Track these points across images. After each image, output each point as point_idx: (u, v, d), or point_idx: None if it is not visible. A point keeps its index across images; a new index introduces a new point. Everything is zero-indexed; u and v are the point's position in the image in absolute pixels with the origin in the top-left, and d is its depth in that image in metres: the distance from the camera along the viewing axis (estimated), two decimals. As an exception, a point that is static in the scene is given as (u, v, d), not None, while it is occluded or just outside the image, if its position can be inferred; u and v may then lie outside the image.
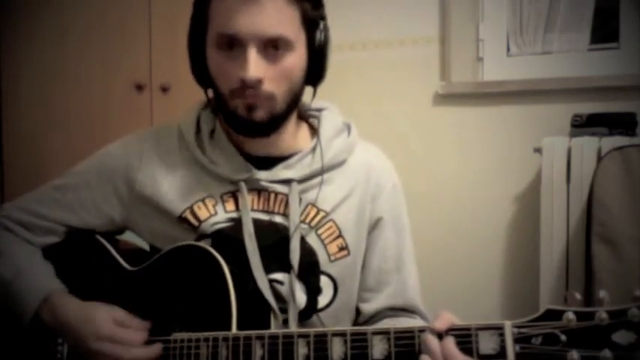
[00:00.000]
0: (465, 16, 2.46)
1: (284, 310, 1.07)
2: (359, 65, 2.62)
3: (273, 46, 1.03)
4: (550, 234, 2.15)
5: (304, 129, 1.19)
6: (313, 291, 1.10)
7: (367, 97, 2.61)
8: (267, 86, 1.04)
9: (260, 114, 1.05)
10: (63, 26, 2.66)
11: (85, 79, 2.65)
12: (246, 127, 1.08)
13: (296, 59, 1.06)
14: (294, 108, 1.12)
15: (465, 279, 2.41)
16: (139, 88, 2.57)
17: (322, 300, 1.11)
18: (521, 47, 2.48)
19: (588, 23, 2.38)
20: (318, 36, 1.09)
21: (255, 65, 1.01)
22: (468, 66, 2.48)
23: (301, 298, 1.08)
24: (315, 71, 1.11)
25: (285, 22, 1.03)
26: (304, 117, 1.20)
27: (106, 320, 1.03)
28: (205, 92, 1.15)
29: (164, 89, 2.53)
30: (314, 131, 1.18)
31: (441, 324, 0.86)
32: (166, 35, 2.50)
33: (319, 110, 1.19)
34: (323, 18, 1.10)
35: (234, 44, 1.03)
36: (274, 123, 1.09)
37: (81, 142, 2.61)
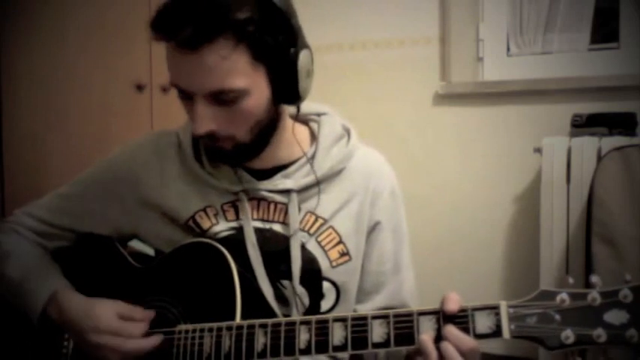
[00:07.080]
0: (465, 16, 2.46)
1: (288, 317, 1.07)
2: (359, 65, 2.62)
3: (220, 97, 0.97)
4: (550, 234, 2.15)
5: (304, 134, 1.17)
6: (316, 296, 1.10)
7: (367, 97, 2.61)
8: (223, 131, 1.01)
9: (226, 147, 1.04)
10: (63, 26, 2.66)
11: (85, 79, 2.65)
12: (221, 157, 1.09)
13: (252, 101, 0.99)
14: (272, 129, 1.08)
15: (465, 279, 2.41)
16: (139, 88, 2.58)
17: (325, 304, 1.11)
18: (521, 47, 2.49)
19: (588, 23, 2.38)
20: (280, 61, 0.99)
21: (202, 119, 0.98)
22: (468, 66, 2.48)
23: (304, 302, 1.09)
24: (286, 94, 1.03)
25: (230, 72, 0.95)
26: (304, 121, 1.19)
27: (107, 314, 1.04)
28: None
29: (164, 89, 2.53)
30: (314, 136, 1.17)
31: (452, 305, 0.87)
32: (166, 35, 2.50)
33: (319, 115, 1.18)
34: (289, 36, 0.99)
35: (185, 94, 1.00)
36: (247, 151, 1.07)
37: (81, 142, 2.62)
